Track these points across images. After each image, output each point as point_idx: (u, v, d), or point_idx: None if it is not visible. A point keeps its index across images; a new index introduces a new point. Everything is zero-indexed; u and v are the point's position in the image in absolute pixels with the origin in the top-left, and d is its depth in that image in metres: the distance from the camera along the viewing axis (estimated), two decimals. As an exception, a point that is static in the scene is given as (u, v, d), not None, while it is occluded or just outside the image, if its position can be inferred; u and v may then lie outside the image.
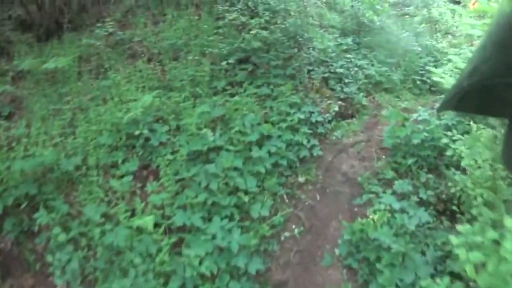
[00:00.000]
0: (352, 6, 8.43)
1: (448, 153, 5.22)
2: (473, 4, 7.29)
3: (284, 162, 4.86)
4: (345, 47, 7.37)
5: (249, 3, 7.38)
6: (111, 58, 6.80)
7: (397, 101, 7.40)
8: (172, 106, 5.42)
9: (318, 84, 6.23)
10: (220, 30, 6.85)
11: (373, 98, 7.20)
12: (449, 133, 4.82)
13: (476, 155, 3.84)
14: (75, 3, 8.65)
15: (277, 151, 4.86)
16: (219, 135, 4.81)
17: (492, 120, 4.77)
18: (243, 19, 6.76)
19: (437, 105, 7.63)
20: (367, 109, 6.85)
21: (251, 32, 6.56)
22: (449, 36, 8.47)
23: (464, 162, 3.96)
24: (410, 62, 8.06)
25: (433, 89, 8.11)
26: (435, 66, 8.44)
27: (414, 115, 5.81)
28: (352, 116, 6.62)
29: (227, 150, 4.63)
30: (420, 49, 8.28)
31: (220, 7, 7.08)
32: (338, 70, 6.59)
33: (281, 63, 6.35)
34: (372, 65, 7.62)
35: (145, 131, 4.86)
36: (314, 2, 8.92)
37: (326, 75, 6.44)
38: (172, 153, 4.80)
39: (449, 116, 5.64)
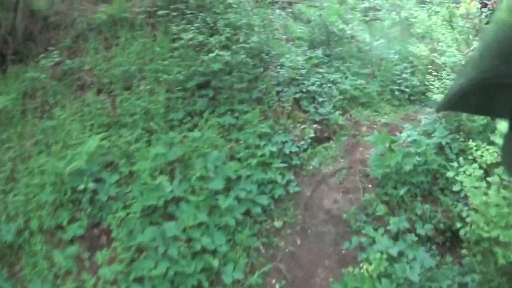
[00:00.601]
0: (320, 15, 7.83)
1: (443, 180, 4.66)
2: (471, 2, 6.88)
3: (258, 209, 4.17)
4: (315, 61, 6.74)
5: (208, 19, 6.68)
6: (57, 92, 6.02)
7: (376, 115, 6.83)
8: (123, 148, 4.68)
9: (289, 107, 5.58)
10: (176, 52, 6.12)
11: (350, 115, 6.60)
12: (450, 163, 4.27)
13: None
14: (21, 31, 7.78)
15: (248, 196, 4.17)
16: (177, 182, 4.09)
17: (492, 136, 4.25)
18: (201, 38, 6.07)
19: (419, 116, 7.11)
20: (344, 129, 6.23)
21: (210, 53, 5.86)
22: (427, 40, 7.95)
23: (475, 200, 3.37)
24: (385, 71, 7.51)
25: (412, 98, 7.59)
26: (412, 73, 7.94)
27: (403, 136, 5.22)
28: (329, 139, 5.99)
29: (188, 201, 3.92)
30: (395, 56, 7.73)
31: (175, 27, 6.37)
32: (310, 88, 5.95)
33: (245, 85, 5.68)
34: (346, 77, 7.03)
35: (91, 184, 4.11)
36: (279, 13, 8.29)
37: (297, 95, 5.79)
38: (124, 208, 4.06)
39: (440, 133, 5.09)
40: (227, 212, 3.91)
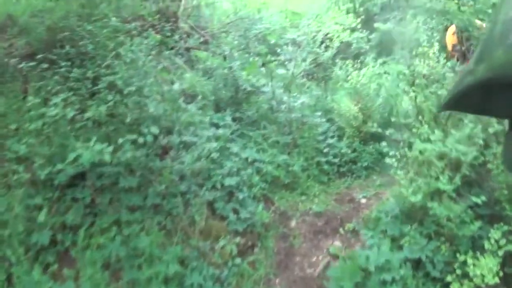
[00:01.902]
0: (231, 67, 6.31)
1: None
2: (453, 34, 5.72)
3: None
4: (228, 134, 5.15)
5: (89, 72, 4.64)
6: None
7: (305, 200, 5.43)
8: None
9: (201, 216, 3.87)
10: (46, 125, 4.04)
11: (274, 205, 5.10)
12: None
13: None
14: None
15: None
16: None
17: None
18: (78, 102, 4.11)
19: (354, 194, 5.89)
20: (271, 228, 4.70)
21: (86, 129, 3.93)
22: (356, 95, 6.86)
23: None
24: (308, 138, 6.18)
25: (342, 169, 6.36)
26: (339, 136, 6.76)
27: (358, 251, 3.84)
28: (253, 246, 4.39)
29: None
30: (319, 117, 6.47)
31: (51, 82, 4.29)
32: (225, 181, 4.32)
33: (137, 182, 3.87)
34: (264, 151, 5.56)
35: None
36: (173, 63, 6.58)
37: (209, 194, 4.11)
38: None
39: (414, 240, 3.85)
40: None
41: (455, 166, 3.75)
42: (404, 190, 4.06)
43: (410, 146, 4.30)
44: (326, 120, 6.94)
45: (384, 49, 10.20)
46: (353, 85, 6.84)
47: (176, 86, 4.89)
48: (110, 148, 3.24)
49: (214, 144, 4.43)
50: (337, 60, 8.46)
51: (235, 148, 4.99)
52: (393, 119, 4.56)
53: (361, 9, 11.39)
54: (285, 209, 5.14)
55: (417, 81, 4.25)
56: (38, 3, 5.33)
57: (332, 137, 6.63)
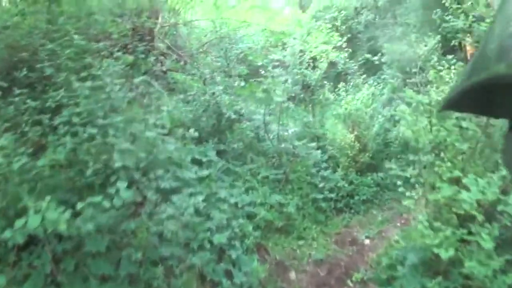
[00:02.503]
0: (213, 93, 5.64)
1: None
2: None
3: None
4: (213, 174, 4.46)
5: (49, 101, 3.83)
6: None
7: (302, 246, 4.76)
8: None
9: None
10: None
11: (269, 254, 4.42)
12: None
13: None
14: None
15: None
16: None
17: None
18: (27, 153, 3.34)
19: (355, 233, 5.25)
20: (268, 283, 4.00)
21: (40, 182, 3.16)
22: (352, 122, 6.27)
23: None
24: (301, 172, 5.54)
25: (339, 205, 5.73)
26: (333, 167, 6.13)
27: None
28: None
29: None
30: (312, 148, 5.84)
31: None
32: (215, 239, 3.61)
33: (106, 245, 3.10)
34: (253, 189, 4.88)
35: None
36: (147, 89, 5.85)
37: (198, 260, 3.38)
38: None
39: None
40: None
41: (492, 215, 3.15)
42: (428, 240, 3.43)
43: (431, 186, 3.69)
44: (317, 148, 6.32)
45: (371, 68, 9.74)
46: (347, 110, 6.25)
47: (151, 120, 4.17)
48: (67, 214, 2.50)
49: (198, 191, 3.71)
50: (325, 82, 7.90)
51: (222, 192, 4.29)
52: (411, 157, 3.93)
53: (344, 27, 10.96)
54: (281, 258, 4.45)
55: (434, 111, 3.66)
56: (3, 17, 4.59)
57: (326, 168, 6.01)
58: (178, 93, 6.44)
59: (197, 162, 4.75)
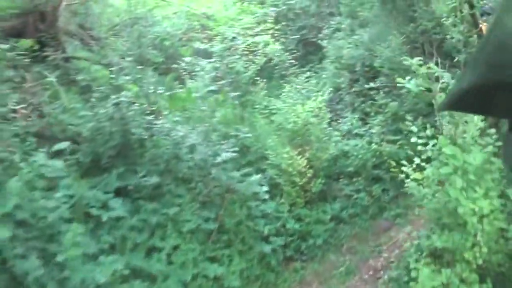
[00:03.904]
0: (118, 104, 3.96)
1: None
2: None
3: None
4: (116, 267, 2.84)
5: None
6: None
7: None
8: None
9: None
10: None
11: None
12: None
13: None
14: None
15: None
16: None
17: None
18: None
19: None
20: None
21: None
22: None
23: None
24: (240, 213, 4.08)
25: (288, 253, 4.37)
26: (275, 197, 4.72)
27: None
28: None
29: None
30: (256, 184, 4.40)
31: None
32: None
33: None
34: (176, 250, 3.33)
35: None
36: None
37: None
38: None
39: None
40: None
41: None
42: None
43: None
44: (256, 172, 4.88)
45: (308, 62, 8.46)
46: (295, 123, 4.83)
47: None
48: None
49: None
50: (259, 80, 6.41)
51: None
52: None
53: (273, 13, 9.47)
54: None
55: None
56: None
57: (265, 200, 4.53)
58: (80, 88, 4.84)
59: (91, 219, 3.08)
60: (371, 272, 4.30)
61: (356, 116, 6.23)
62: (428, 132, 3.34)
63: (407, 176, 3.42)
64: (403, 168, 3.46)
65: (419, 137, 3.46)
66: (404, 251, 4.53)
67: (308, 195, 4.86)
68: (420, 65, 3.50)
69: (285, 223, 4.46)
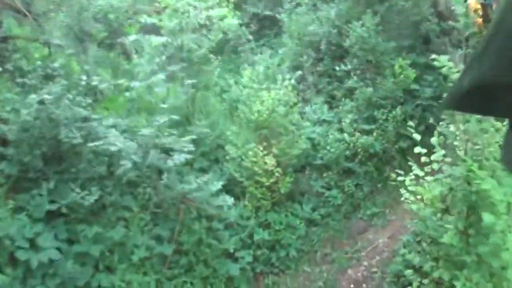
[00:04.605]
0: (42, 102, 3.11)
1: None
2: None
3: None
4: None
5: None
6: None
7: None
8: None
9: None
10: None
11: None
12: None
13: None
14: None
15: None
16: None
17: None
18: None
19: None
20: None
21: None
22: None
23: None
24: (199, 229, 3.42)
25: (258, 267, 3.80)
26: (240, 200, 4.06)
27: None
28: None
29: None
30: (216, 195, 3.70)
31: None
32: None
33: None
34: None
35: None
36: None
37: None
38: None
39: None
40: None
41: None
42: None
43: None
44: (210, 164, 4.22)
45: (262, 37, 7.74)
46: (262, 115, 4.13)
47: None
48: None
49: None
50: (213, 57, 5.61)
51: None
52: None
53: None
54: None
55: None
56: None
57: (230, 206, 3.87)
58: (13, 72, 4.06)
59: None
60: (352, 286, 3.79)
61: (321, 98, 5.64)
62: (434, 140, 2.78)
63: (405, 187, 2.87)
64: (400, 178, 2.91)
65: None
66: (386, 259, 4.07)
67: (275, 195, 4.24)
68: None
69: (252, 232, 3.84)
